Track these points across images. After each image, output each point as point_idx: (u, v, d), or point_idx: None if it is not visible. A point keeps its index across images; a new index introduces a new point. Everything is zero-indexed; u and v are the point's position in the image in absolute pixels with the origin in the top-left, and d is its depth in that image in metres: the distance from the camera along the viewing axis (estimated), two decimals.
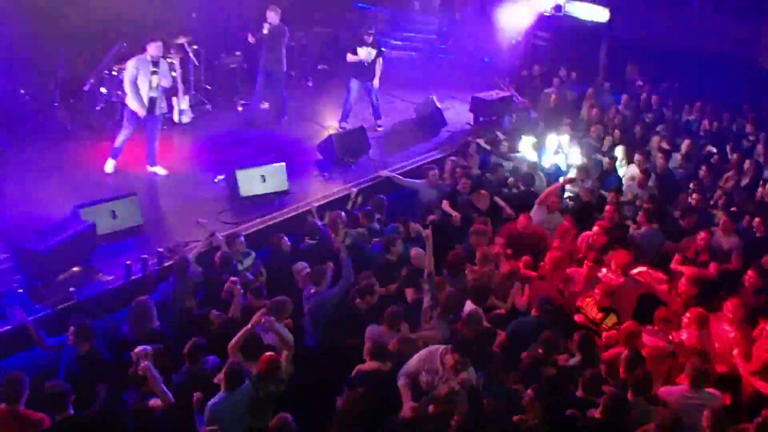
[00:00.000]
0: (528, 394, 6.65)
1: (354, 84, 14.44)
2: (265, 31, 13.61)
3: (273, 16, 13.67)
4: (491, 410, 6.59)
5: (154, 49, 11.28)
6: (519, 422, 6.57)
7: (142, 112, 11.39)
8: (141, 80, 11.28)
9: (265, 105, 15.10)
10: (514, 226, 10.47)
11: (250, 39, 13.86)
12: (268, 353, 6.98)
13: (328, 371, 7.56)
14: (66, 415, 6.27)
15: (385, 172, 12.50)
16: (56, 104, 13.02)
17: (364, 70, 14.33)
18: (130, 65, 11.33)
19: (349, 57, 14.28)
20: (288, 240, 9.65)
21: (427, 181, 11.71)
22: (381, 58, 14.47)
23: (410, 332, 7.90)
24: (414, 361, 7.18)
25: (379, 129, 15.01)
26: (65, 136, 12.78)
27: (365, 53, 14.19)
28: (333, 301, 8.36)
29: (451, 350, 6.97)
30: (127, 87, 11.33)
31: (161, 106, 11.70)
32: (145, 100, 11.38)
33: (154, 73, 11.33)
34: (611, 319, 8.37)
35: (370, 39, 14.28)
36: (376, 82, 14.55)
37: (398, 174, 12.54)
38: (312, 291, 8.44)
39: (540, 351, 7.40)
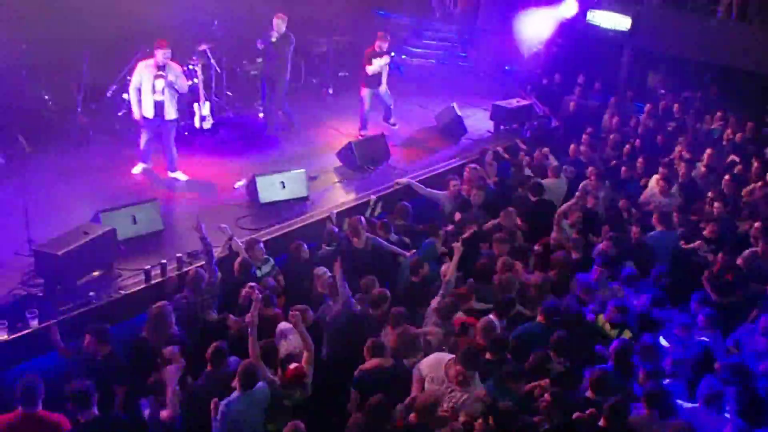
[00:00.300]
0: (545, 398, 6.65)
1: (367, 93, 14.51)
2: (273, 39, 13.45)
3: (280, 24, 13.45)
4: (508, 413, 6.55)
5: (160, 55, 11.33)
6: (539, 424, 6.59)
7: (137, 114, 11.63)
8: (145, 85, 11.41)
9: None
10: None
11: (259, 45, 13.69)
12: (294, 365, 7.00)
13: (340, 381, 7.58)
14: (91, 415, 6.27)
15: (404, 180, 12.39)
16: (79, 110, 13.10)
17: (376, 78, 14.44)
18: (136, 71, 11.57)
19: (369, 70, 14.30)
20: (306, 247, 9.64)
21: (449, 193, 11.53)
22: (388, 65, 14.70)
23: None
24: (424, 364, 7.22)
25: (394, 127, 15.20)
26: (87, 142, 12.88)
27: (383, 62, 14.32)
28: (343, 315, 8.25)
29: (455, 361, 6.97)
30: (130, 91, 11.63)
31: (170, 111, 11.67)
32: (151, 105, 11.48)
33: (158, 77, 11.37)
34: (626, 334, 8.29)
35: (385, 48, 14.39)
36: (383, 87, 14.70)
37: (418, 181, 12.46)
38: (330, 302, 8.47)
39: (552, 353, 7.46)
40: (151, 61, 11.44)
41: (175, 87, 11.51)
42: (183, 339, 7.52)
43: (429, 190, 11.89)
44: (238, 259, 8.97)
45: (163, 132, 11.82)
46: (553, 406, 6.57)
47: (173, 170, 12.10)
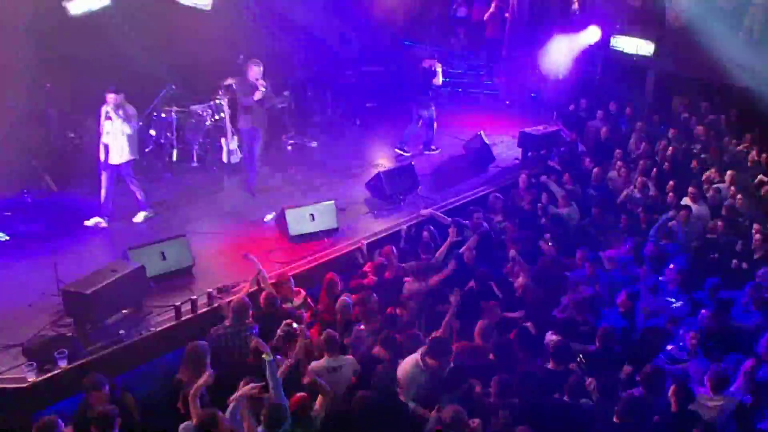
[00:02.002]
0: None
1: (425, 112, 15.17)
2: (262, 89, 12.39)
3: (257, 72, 12.45)
4: None
5: (110, 98, 11.03)
6: None
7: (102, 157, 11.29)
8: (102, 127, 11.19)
9: (314, 144, 15.14)
10: None
11: (257, 96, 12.46)
12: (300, 394, 6.90)
13: None
14: None
15: (426, 211, 12.27)
16: None
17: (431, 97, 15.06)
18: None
19: (437, 80, 15.21)
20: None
21: (471, 224, 11.42)
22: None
23: None
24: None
25: (435, 152, 15.54)
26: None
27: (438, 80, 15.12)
28: None
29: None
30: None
31: (120, 155, 11.19)
32: (102, 148, 11.22)
33: (107, 119, 11.06)
34: None
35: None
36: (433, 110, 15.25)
37: (444, 211, 12.36)
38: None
39: None
40: (107, 103, 11.11)
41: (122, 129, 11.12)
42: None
43: (450, 219, 11.72)
44: (264, 294, 8.81)
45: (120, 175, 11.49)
46: None
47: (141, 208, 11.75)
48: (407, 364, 7.55)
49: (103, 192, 11.32)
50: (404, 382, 7.40)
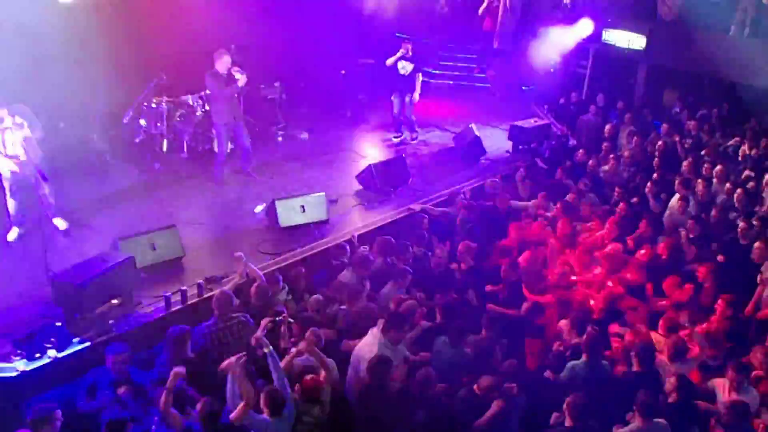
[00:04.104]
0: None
1: (395, 98, 15.04)
2: (242, 83, 12.45)
3: (228, 61, 12.35)
4: None
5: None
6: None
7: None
8: None
9: (305, 135, 15.13)
10: None
11: (242, 80, 12.50)
12: (309, 376, 7.01)
13: None
14: None
15: (417, 206, 12.25)
16: (95, 136, 13.06)
17: (403, 84, 14.86)
18: None
19: (388, 61, 14.86)
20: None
21: (455, 207, 11.66)
22: (420, 74, 15.10)
23: None
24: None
25: (414, 142, 15.55)
26: (105, 168, 12.81)
27: (401, 65, 14.67)
28: None
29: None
30: None
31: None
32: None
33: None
34: None
35: (409, 54, 14.72)
36: (416, 96, 15.15)
37: (435, 204, 12.43)
38: None
39: None
40: None
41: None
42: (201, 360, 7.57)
43: (440, 209, 11.99)
44: (255, 285, 8.81)
45: None
46: None
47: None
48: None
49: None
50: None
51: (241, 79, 12.36)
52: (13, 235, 10.43)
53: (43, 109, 12.82)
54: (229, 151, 13.33)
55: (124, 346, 7.65)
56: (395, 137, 15.55)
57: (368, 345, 7.74)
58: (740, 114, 15.97)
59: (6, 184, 10.19)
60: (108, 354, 7.53)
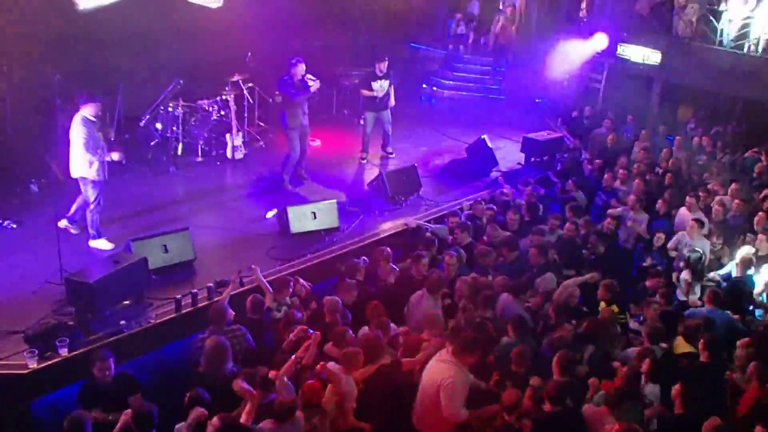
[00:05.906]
0: None
1: (369, 116, 14.61)
2: (314, 89, 13.10)
3: (303, 68, 12.85)
4: None
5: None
6: None
7: None
8: None
9: (317, 142, 15.21)
10: None
11: (315, 86, 13.05)
12: (310, 382, 6.99)
13: None
14: None
15: (412, 221, 12.09)
16: (112, 138, 13.18)
17: (378, 103, 14.47)
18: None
19: (365, 93, 14.44)
20: None
21: (448, 227, 11.49)
22: (392, 87, 14.67)
23: None
24: None
25: (391, 156, 15.25)
26: (120, 171, 12.95)
27: (378, 86, 14.31)
28: None
29: None
30: None
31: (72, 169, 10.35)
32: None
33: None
34: None
35: (383, 72, 14.37)
36: (391, 101, 14.75)
37: (439, 216, 12.49)
38: None
39: None
40: None
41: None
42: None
43: (434, 226, 11.78)
44: (251, 297, 8.56)
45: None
46: None
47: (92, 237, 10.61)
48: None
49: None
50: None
51: (314, 85, 12.72)
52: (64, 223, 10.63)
53: (60, 107, 13.06)
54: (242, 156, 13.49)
55: (108, 353, 7.31)
56: (363, 159, 14.95)
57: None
58: (756, 131, 15.96)
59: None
60: (95, 360, 7.20)
